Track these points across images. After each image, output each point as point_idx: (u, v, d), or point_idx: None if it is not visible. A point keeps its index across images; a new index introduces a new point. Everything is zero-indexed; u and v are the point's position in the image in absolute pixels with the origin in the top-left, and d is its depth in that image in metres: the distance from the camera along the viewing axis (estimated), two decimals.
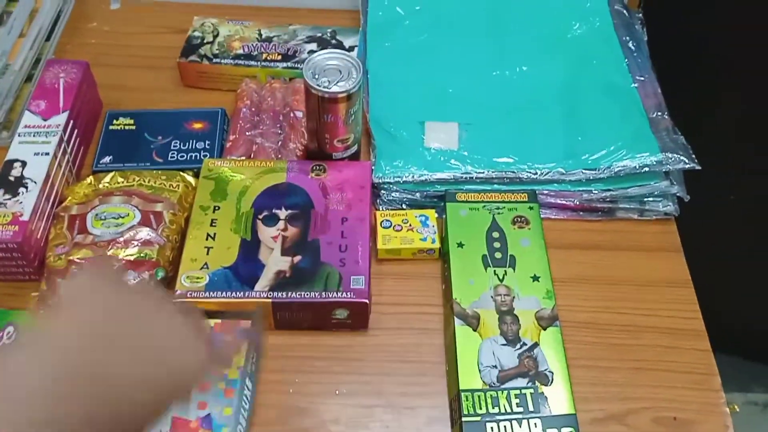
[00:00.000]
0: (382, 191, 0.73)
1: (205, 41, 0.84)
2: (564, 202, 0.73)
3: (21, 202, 0.63)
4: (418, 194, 0.73)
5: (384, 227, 0.70)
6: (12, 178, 0.65)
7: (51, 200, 0.67)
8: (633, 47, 0.85)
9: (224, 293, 0.61)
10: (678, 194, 0.72)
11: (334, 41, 0.85)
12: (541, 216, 0.71)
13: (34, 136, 0.68)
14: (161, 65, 0.85)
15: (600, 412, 0.60)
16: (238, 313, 0.60)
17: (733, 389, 1.45)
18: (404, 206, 0.73)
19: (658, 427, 0.59)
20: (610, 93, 0.80)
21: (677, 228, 0.73)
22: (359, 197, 0.69)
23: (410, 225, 0.70)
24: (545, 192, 0.73)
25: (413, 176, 0.72)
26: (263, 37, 0.85)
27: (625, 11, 0.89)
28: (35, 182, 0.65)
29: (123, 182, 0.69)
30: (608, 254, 0.71)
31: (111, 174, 0.70)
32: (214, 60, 0.82)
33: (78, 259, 0.62)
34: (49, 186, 0.67)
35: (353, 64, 0.68)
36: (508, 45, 0.86)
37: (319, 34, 0.85)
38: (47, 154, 0.67)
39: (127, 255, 0.62)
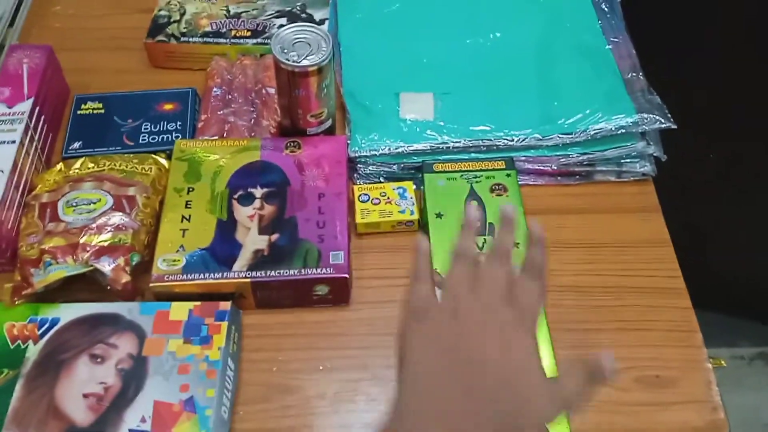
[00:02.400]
0: (359, 165, 0.72)
1: (172, 20, 0.82)
2: (542, 167, 0.73)
3: None
4: (395, 166, 0.72)
5: (362, 201, 0.69)
6: None
7: (20, 189, 0.66)
8: (606, 8, 0.84)
9: (202, 275, 0.61)
10: (655, 154, 0.72)
11: (304, 15, 0.83)
12: (520, 183, 0.70)
13: None
14: (129, 46, 0.83)
15: None
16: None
17: (720, 344, 1.47)
18: (382, 179, 0.73)
19: (641, 385, 0.60)
20: (585, 56, 0.80)
21: (655, 188, 0.73)
22: (336, 172, 0.69)
23: (388, 198, 0.69)
24: (523, 158, 0.73)
25: (389, 149, 0.72)
26: (231, 13, 0.83)
27: None
28: (2, 171, 0.64)
29: (94, 167, 0.67)
30: (587, 217, 0.71)
31: (81, 159, 0.69)
32: (182, 39, 0.80)
33: (50, 247, 0.61)
34: (18, 174, 0.65)
35: (322, 37, 0.66)
36: (481, 12, 0.85)
37: (289, 8, 0.84)
38: (13, 142, 0.66)
39: (100, 241, 0.61)
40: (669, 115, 0.72)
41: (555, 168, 0.73)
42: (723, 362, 1.49)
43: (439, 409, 0.39)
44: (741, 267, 1.25)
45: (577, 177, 0.74)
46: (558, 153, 0.73)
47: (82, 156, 0.69)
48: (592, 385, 0.41)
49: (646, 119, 0.72)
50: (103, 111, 0.75)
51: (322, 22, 0.82)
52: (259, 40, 0.80)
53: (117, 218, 0.63)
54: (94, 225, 0.62)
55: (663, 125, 0.71)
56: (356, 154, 0.71)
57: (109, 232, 0.62)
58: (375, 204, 0.69)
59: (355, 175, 0.72)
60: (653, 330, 0.63)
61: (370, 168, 0.72)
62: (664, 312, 0.64)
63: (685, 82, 0.96)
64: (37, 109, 0.70)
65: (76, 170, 0.67)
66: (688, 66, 0.98)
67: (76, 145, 0.72)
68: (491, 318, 0.42)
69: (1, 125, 0.67)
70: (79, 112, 0.75)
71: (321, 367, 0.61)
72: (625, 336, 0.62)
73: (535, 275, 0.45)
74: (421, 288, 0.45)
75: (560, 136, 0.72)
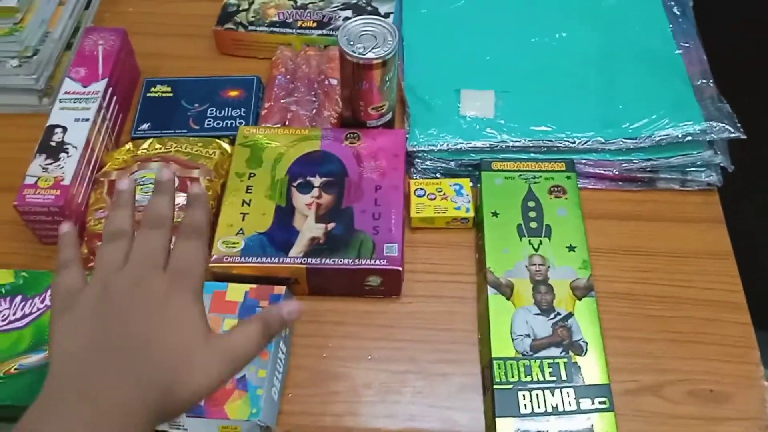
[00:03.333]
0: (417, 159, 0.73)
1: (240, 8, 0.84)
2: (603, 171, 0.72)
3: (62, 167, 0.65)
4: (452, 163, 0.72)
5: (418, 196, 0.69)
6: (53, 144, 0.67)
7: (91, 166, 0.69)
8: (678, 12, 0.82)
9: (259, 258, 0.62)
10: (722, 164, 0.70)
11: (369, 8, 0.84)
12: (579, 186, 0.69)
13: (74, 102, 0.70)
14: (197, 33, 0.85)
15: (634, 383, 0.59)
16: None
17: None
18: (438, 175, 0.73)
19: (694, 399, 0.58)
20: (653, 60, 0.78)
21: (720, 199, 0.71)
22: (393, 165, 0.69)
23: (444, 194, 0.69)
24: (583, 161, 0.72)
25: (448, 144, 0.72)
26: (298, 4, 0.84)
27: None
28: (76, 147, 0.66)
29: (161, 149, 0.70)
30: (647, 225, 0.69)
31: (149, 141, 0.71)
32: (250, 27, 0.82)
33: None
34: (89, 151, 0.68)
35: (389, 30, 0.67)
36: (548, 11, 0.84)
37: (354, 1, 0.84)
38: (87, 120, 0.68)
39: None
40: (739, 125, 0.70)
41: (616, 173, 0.72)
42: None
43: (83, 388, 0.37)
44: None
45: (639, 183, 0.72)
46: (620, 158, 0.71)
47: (150, 137, 0.72)
48: (265, 336, 0.42)
49: (715, 127, 0.70)
50: (171, 94, 0.77)
51: (387, 15, 0.83)
52: (324, 31, 0.81)
53: (181, 199, 0.64)
54: None
55: (732, 134, 0.69)
56: (414, 149, 0.72)
57: None
58: (431, 199, 0.69)
59: (412, 169, 0.73)
60: (709, 344, 0.61)
61: (427, 163, 0.72)
62: (721, 326, 0.62)
63: (758, 90, 0.92)
64: (110, 89, 0.72)
65: (144, 150, 0.70)
66: (761, 74, 0.95)
67: (145, 126, 0.74)
68: (141, 289, 0.41)
69: (77, 103, 0.69)
70: (148, 94, 0.77)
71: (369, 357, 0.61)
72: (678, 348, 0.61)
73: (193, 235, 0.44)
74: (66, 275, 0.43)
75: (624, 140, 0.71)
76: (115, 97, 0.74)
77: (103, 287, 0.41)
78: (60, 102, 0.70)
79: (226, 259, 0.62)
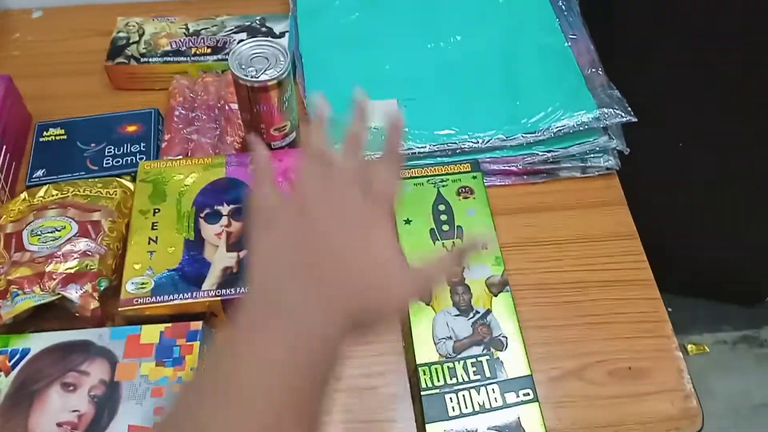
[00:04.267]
0: None
1: (131, 41, 0.82)
2: (507, 167, 0.73)
3: None
4: None
5: None
6: None
7: None
8: (563, 6, 0.85)
9: (171, 296, 0.60)
10: (618, 148, 0.73)
11: (264, 29, 0.84)
12: (486, 184, 0.71)
13: None
14: (89, 70, 0.83)
15: (556, 371, 0.61)
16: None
17: (702, 331, 1.49)
18: None
19: (615, 378, 0.60)
20: (545, 54, 0.80)
21: (620, 182, 0.74)
22: None
23: None
24: (488, 159, 0.73)
25: None
26: (191, 31, 0.83)
27: None
28: None
29: (57, 194, 0.67)
30: (555, 215, 0.71)
31: (45, 187, 0.68)
32: (142, 60, 0.80)
33: (17, 278, 0.60)
34: None
35: (280, 51, 0.66)
36: (441, 16, 0.86)
37: (248, 23, 0.84)
38: None
39: (67, 268, 0.61)
40: (629, 109, 0.73)
41: (520, 167, 0.73)
42: (706, 348, 1.51)
43: (283, 306, 0.38)
44: (717, 253, 1.27)
45: (543, 175, 0.74)
46: (523, 152, 0.73)
47: (46, 183, 0.69)
48: (456, 266, 0.43)
49: (607, 114, 0.72)
50: (65, 137, 0.74)
51: (282, 35, 0.83)
52: (219, 56, 0.80)
53: (83, 244, 0.62)
54: (59, 253, 0.62)
55: (624, 119, 0.72)
56: None
57: (75, 259, 0.61)
58: None
59: None
60: (623, 322, 0.63)
61: None
62: (633, 304, 0.64)
63: (647, 74, 0.97)
64: None
65: (40, 198, 0.67)
66: (649, 57, 1.00)
67: (40, 173, 0.71)
68: (343, 210, 0.41)
69: None
70: (41, 139, 0.74)
71: None
72: (595, 330, 0.63)
73: (391, 159, 0.45)
74: (263, 190, 0.43)
75: (524, 135, 0.73)
76: (4, 147, 0.71)
77: (304, 205, 0.41)
78: None
79: (137, 301, 0.60)
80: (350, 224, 0.41)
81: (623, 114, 0.72)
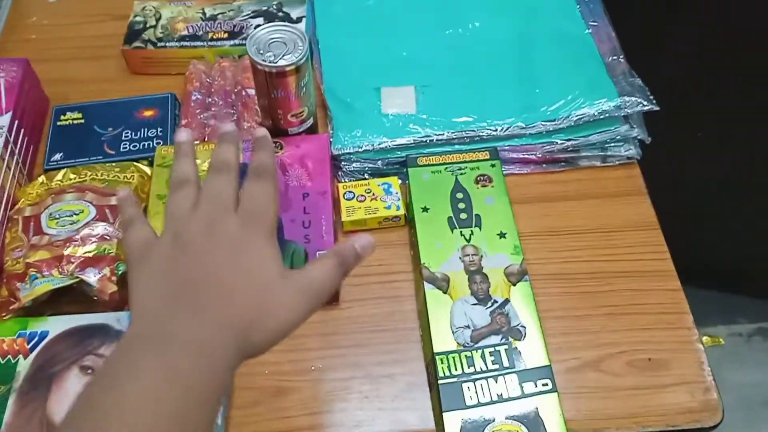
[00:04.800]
0: (343, 162, 0.72)
1: (147, 26, 0.81)
2: (526, 156, 0.73)
3: None
4: (379, 162, 0.72)
5: (347, 199, 0.69)
6: None
7: (3, 204, 0.65)
8: None
9: None
10: (639, 137, 0.72)
11: (280, 14, 0.83)
12: (505, 172, 0.70)
13: None
14: (106, 54, 0.83)
15: (575, 361, 0.60)
16: None
17: (717, 323, 1.48)
18: (366, 176, 0.72)
19: (634, 369, 0.60)
20: (565, 41, 0.79)
21: (641, 171, 0.73)
22: (319, 171, 0.68)
23: (373, 194, 0.69)
24: (507, 148, 0.73)
25: (373, 144, 0.71)
26: (207, 15, 0.82)
27: None
28: None
29: (75, 178, 0.67)
30: (574, 204, 0.70)
31: (63, 171, 0.68)
32: (159, 44, 0.80)
33: (35, 261, 0.60)
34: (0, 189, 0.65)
35: (298, 36, 0.66)
36: (459, 2, 0.85)
37: (265, 8, 0.83)
38: None
39: (85, 252, 0.61)
40: (651, 97, 0.72)
41: (540, 156, 0.73)
42: (721, 340, 1.50)
43: (164, 334, 0.37)
44: (734, 245, 1.26)
45: (563, 164, 0.74)
46: (542, 141, 0.72)
47: (63, 167, 0.69)
48: (341, 269, 0.42)
49: (628, 102, 0.71)
50: (82, 121, 0.74)
51: (299, 20, 0.82)
52: (236, 41, 0.80)
53: (101, 228, 0.62)
54: (78, 236, 0.62)
55: (645, 107, 0.71)
56: (339, 152, 0.71)
57: (93, 242, 0.61)
58: (360, 201, 0.69)
59: (340, 173, 0.72)
60: (643, 313, 0.63)
61: (354, 165, 0.72)
62: (653, 295, 0.64)
63: (668, 62, 0.95)
64: (16, 122, 0.69)
65: (58, 182, 0.67)
66: (670, 45, 0.98)
67: (57, 156, 0.71)
68: (214, 232, 0.41)
69: None
70: (58, 123, 0.74)
71: (312, 368, 0.61)
72: (615, 321, 0.62)
73: (262, 176, 0.44)
74: (135, 231, 0.44)
75: (543, 123, 0.72)
76: (22, 130, 0.71)
77: (175, 234, 0.41)
78: None
79: None
80: (223, 247, 0.40)
81: (645, 102, 0.71)
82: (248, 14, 0.82)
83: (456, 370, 0.57)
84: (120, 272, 0.61)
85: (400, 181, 0.70)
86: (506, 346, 0.58)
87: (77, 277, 0.60)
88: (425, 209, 0.66)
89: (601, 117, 0.71)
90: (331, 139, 0.72)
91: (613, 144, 0.73)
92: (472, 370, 0.57)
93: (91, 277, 0.60)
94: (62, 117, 0.75)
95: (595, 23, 0.80)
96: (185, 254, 0.40)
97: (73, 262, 0.60)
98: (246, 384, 0.59)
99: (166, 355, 0.36)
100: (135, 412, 0.34)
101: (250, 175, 0.44)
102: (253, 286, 0.40)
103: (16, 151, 0.69)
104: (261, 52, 0.64)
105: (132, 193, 0.48)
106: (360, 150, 0.71)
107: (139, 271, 0.41)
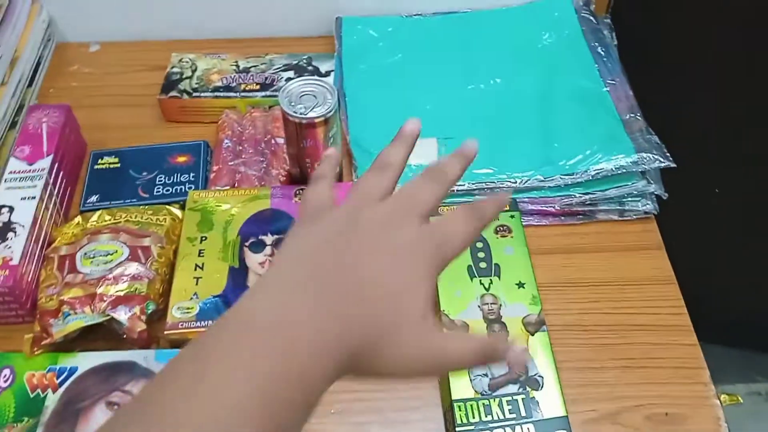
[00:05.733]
0: None
1: (184, 76, 0.85)
2: (545, 208, 0.74)
3: (10, 247, 0.65)
4: None
5: None
6: (0, 224, 0.66)
7: (40, 242, 0.68)
8: (602, 52, 0.87)
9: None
10: (656, 193, 0.74)
11: (310, 67, 0.87)
12: (523, 223, 0.72)
13: (20, 181, 0.70)
14: (143, 103, 0.87)
15: (592, 413, 0.60)
16: None
17: (736, 380, 1.45)
18: None
19: (651, 423, 0.60)
20: (583, 98, 0.82)
21: (658, 226, 0.74)
22: None
23: None
24: (526, 199, 0.75)
25: None
26: (241, 68, 0.86)
27: (592, 18, 0.91)
28: (23, 226, 0.66)
29: (110, 220, 0.70)
30: (591, 256, 0.72)
31: (98, 212, 0.71)
32: (194, 94, 0.83)
33: (69, 298, 0.63)
34: (38, 228, 0.68)
35: (328, 89, 0.69)
36: (481, 59, 0.88)
37: (295, 62, 0.87)
38: (34, 198, 0.68)
39: (117, 291, 0.63)
40: (668, 154, 0.74)
41: (558, 208, 0.74)
42: (740, 398, 1.47)
43: (288, 305, 0.34)
44: (752, 301, 1.25)
45: (580, 216, 0.75)
46: (560, 194, 0.74)
47: (99, 209, 0.72)
48: (482, 360, 0.36)
49: (645, 158, 0.73)
50: (119, 165, 0.78)
51: (327, 73, 0.86)
52: (267, 92, 0.84)
53: (133, 268, 0.65)
54: (110, 275, 0.64)
55: (662, 164, 0.73)
56: None
57: (125, 282, 0.64)
58: None
59: None
60: (660, 367, 0.63)
61: None
62: (670, 349, 0.64)
63: (684, 119, 0.97)
64: (56, 165, 0.73)
65: (94, 223, 0.70)
66: (687, 102, 1.01)
67: (94, 198, 0.75)
68: (392, 229, 0.37)
69: (22, 182, 0.70)
70: (96, 166, 0.78)
71: (332, 411, 0.61)
72: (632, 374, 0.63)
73: (471, 215, 0.40)
74: (318, 188, 0.42)
75: (562, 176, 0.74)
76: (61, 173, 0.74)
77: (353, 214, 0.38)
78: (5, 182, 0.70)
79: (182, 325, 0.62)
80: (389, 250, 0.37)
81: (662, 159, 0.73)
82: (279, 67, 0.86)
83: (474, 418, 0.57)
84: (149, 311, 0.63)
85: None
86: (524, 396, 0.59)
87: (108, 315, 0.62)
88: None
89: (619, 172, 0.73)
90: None
91: (630, 198, 0.74)
92: (489, 418, 0.57)
93: (122, 315, 0.62)
94: (99, 161, 0.78)
95: (613, 81, 0.83)
96: (351, 238, 0.37)
97: (105, 301, 0.62)
98: None
99: (280, 330, 0.33)
100: (219, 388, 0.30)
101: (468, 207, 0.40)
102: (393, 308, 0.35)
103: (55, 192, 0.72)
104: (292, 103, 0.68)
105: (338, 155, 0.45)
106: None
107: (304, 226, 0.39)
